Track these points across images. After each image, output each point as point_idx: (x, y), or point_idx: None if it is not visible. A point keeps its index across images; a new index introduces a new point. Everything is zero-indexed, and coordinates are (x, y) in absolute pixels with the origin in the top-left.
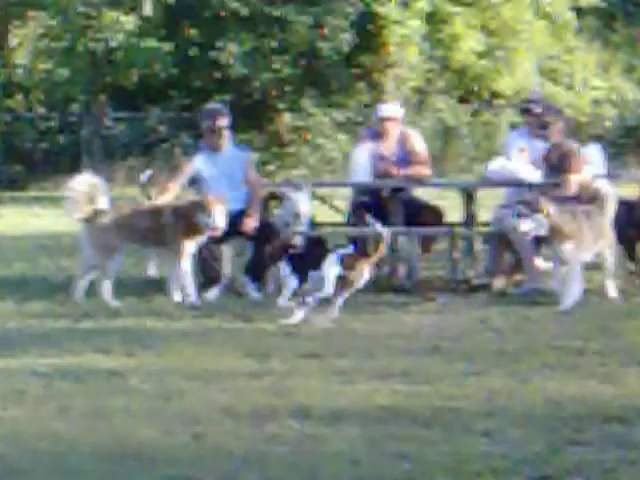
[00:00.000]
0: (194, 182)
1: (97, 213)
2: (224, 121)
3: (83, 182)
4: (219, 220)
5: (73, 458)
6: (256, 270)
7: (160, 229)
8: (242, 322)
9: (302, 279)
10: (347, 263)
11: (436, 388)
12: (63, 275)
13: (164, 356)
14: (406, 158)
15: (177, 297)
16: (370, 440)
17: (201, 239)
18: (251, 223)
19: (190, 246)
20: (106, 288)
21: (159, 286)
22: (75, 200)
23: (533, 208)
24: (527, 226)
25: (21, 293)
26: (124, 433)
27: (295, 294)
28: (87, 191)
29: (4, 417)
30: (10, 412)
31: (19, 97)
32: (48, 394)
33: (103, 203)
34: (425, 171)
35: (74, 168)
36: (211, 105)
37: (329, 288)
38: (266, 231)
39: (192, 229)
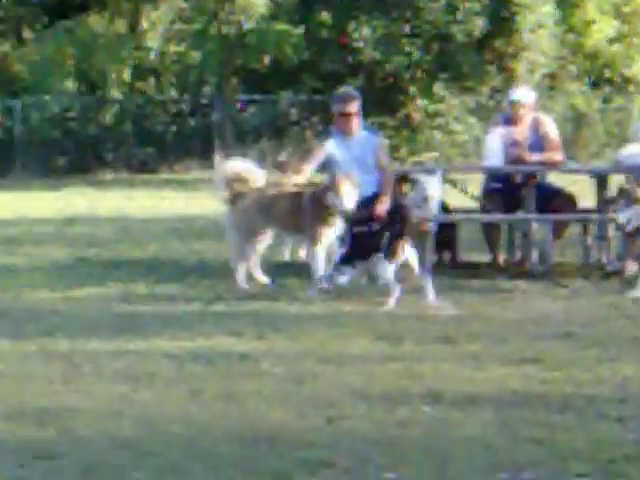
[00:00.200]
0: (326, 166)
1: (240, 195)
2: (355, 106)
3: (234, 165)
4: (348, 201)
5: (205, 441)
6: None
7: (298, 214)
8: (374, 305)
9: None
10: (390, 254)
11: (569, 374)
12: (194, 258)
13: (296, 339)
14: (539, 143)
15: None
16: (503, 425)
17: (338, 226)
18: (382, 208)
19: (326, 233)
20: (240, 271)
21: (291, 269)
22: (223, 180)
23: (630, 198)
24: (623, 217)
25: (153, 276)
26: (256, 416)
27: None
28: (236, 173)
29: (135, 399)
30: (141, 394)
31: (151, 80)
32: (180, 377)
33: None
34: (558, 157)
35: (205, 151)
36: (342, 89)
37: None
38: (398, 215)
39: (328, 215)
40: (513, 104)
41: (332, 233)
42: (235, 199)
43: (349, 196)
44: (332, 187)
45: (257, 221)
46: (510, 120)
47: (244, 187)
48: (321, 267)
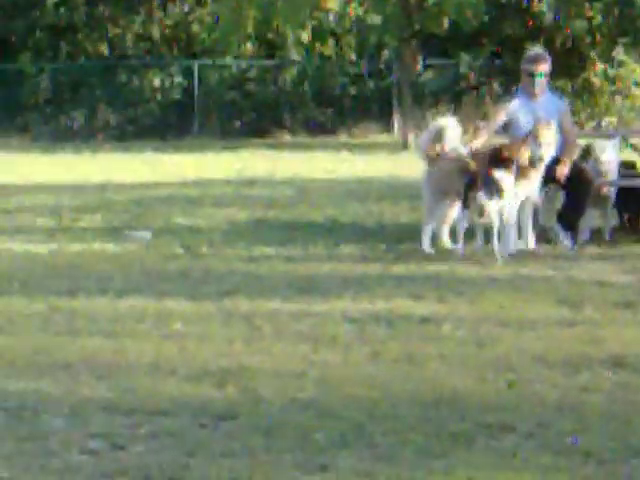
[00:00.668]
0: (507, 127)
1: (439, 157)
2: (545, 67)
3: (440, 123)
4: (546, 150)
5: (386, 403)
6: (569, 218)
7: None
8: (554, 270)
9: None
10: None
11: None
12: (373, 220)
13: (476, 303)
14: None
15: (531, 243)
16: None
17: (533, 182)
18: (563, 171)
19: (520, 189)
20: (426, 234)
21: (470, 232)
22: (426, 139)
23: None
24: None
25: (332, 237)
26: (437, 379)
27: None
28: (439, 132)
29: (316, 361)
30: (322, 356)
31: (330, 42)
32: (360, 339)
33: (454, 145)
34: None
35: (383, 114)
36: (534, 50)
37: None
38: (578, 179)
39: (520, 170)
40: None
41: (529, 186)
42: (434, 160)
43: (548, 145)
44: (532, 134)
45: (453, 183)
46: None
47: (444, 147)
48: (511, 227)
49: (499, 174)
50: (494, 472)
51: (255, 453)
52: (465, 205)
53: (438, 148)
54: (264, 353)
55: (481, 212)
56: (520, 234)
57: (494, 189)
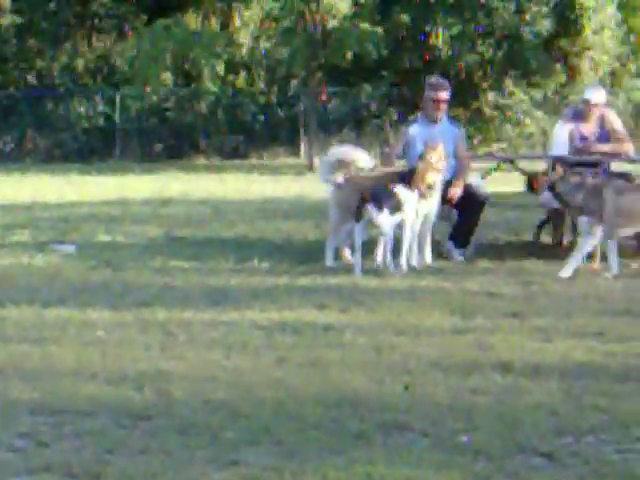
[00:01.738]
0: (405, 150)
1: (346, 178)
2: (445, 94)
3: (341, 151)
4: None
5: (292, 404)
6: (461, 236)
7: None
8: (448, 282)
9: None
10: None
11: (629, 347)
12: (281, 237)
13: (375, 312)
14: (606, 136)
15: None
16: (568, 393)
17: (434, 199)
18: (456, 192)
19: (422, 207)
20: (329, 249)
21: (369, 247)
22: (330, 165)
23: None
24: None
25: (243, 252)
26: (340, 382)
27: None
28: (342, 159)
29: (228, 366)
30: (234, 361)
31: (242, 74)
32: (269, 345)
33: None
34: (625, 147)
35: (291, 139)
36: (435, 78)
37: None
38: (471, 199)
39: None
40: (586, 103)
41: (429, 205)
42: (339, 184)
43: (436, 166)
44: (422, 156)
45: (355, 202)
46: (579, 115)
47: (349, 171)
48: (411, 240)
49: (402, 190)
50: (391, 468)
51: (171, 451)
52: (357, 219)
53: (341, 175)
54: (179, 358)
55: (371, 224)
56: (419, 249)
57: (385, 203)
